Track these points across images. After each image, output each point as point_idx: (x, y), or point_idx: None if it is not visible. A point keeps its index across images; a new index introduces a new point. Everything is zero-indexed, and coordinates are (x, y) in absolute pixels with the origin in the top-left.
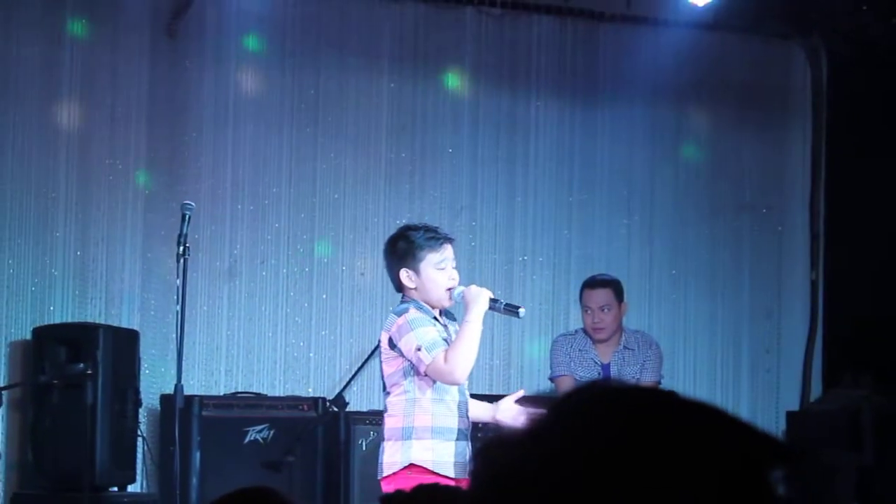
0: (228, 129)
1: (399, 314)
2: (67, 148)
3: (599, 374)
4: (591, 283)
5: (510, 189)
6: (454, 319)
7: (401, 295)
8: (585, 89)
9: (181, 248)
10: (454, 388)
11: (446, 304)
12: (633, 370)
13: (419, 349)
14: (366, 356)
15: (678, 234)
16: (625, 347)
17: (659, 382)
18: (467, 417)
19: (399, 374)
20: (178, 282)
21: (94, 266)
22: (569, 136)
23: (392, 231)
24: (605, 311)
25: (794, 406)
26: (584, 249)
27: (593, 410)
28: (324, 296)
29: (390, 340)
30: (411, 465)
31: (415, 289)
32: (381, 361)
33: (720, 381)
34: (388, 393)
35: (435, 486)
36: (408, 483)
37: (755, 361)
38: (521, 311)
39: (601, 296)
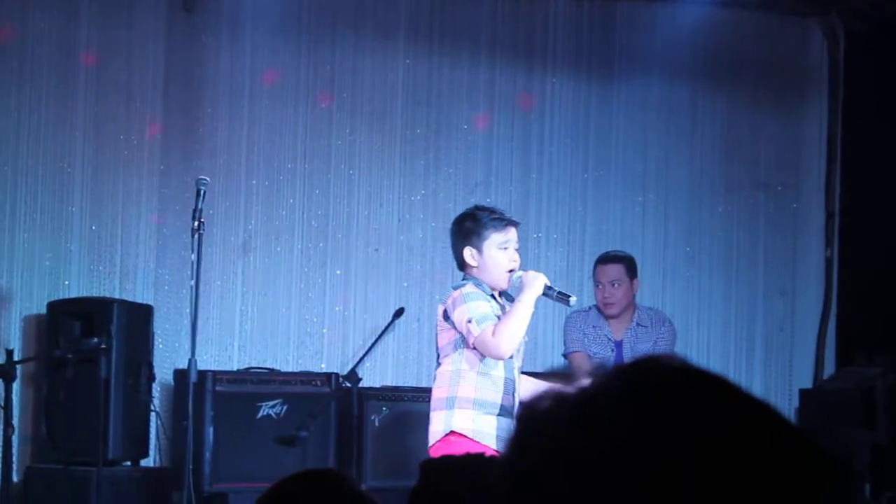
0: (244, 105)
1: (456, 288)
2: (83, 123)
3: (612, 350)
4: (604, 259)
5: (525, 166)
6: (512, 300)
7: (463, 273)
8: (601, 67)
9: (196, 223)
10: (501, 365)
11: (504, 285)
12: (645, 347)
13: (469, 321)
14: (379, 332)
15: (693, 211)
16: (638, 324)
17: None
18: (513, 395)
19: (451, 346)
20: (193, 257)
21: (109, 241)
22: (584, 113)
23: (406, 207)
24: (616, 286)
25: (808, 384)
26: (598, 227)
27: (641, 392)
28: (338, 271)
29: (444, 312)
30: (452, 432)
31: (476, 267)
32: (436, 333)
33: (734, 359)
34: (439, 364)
35: (480, 456)
36: (451, 449)
37: (769, 339)
38: (573, 299)
39: (612, 271)
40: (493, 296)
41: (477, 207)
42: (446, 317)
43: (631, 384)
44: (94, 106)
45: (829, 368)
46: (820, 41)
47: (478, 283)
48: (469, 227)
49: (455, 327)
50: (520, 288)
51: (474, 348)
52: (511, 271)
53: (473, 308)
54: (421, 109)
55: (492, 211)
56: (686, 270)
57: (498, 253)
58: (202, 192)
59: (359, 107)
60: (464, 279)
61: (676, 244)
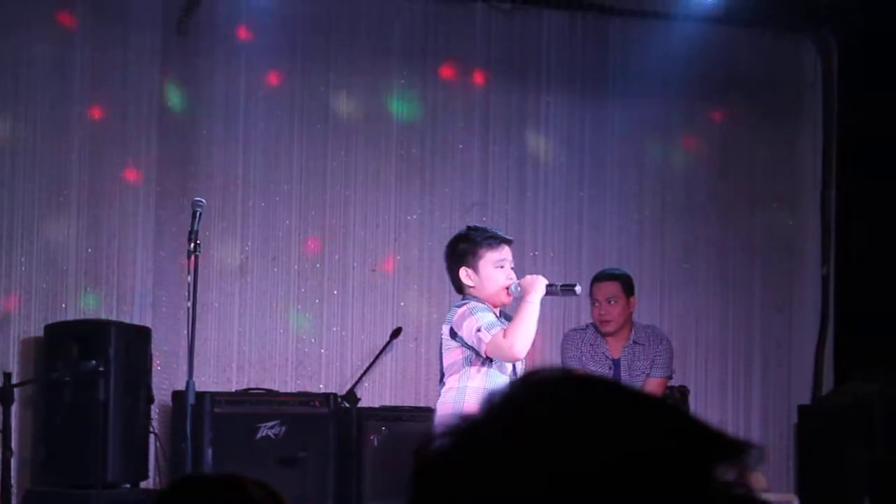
0: (239, 126)
1: (460, 306)
2: (79, 146)
3: (610, 368)
4: (599, 277)
5: (521, 184)
6: (510, 320)
7: (461, 295)
8: (595, 84)
9: (192, 245)
10: (506, 381)
11: (505, 300)
12: (643, 365)
13: (479, 329)
14: (377, 352)
15: (689, 228)
16: (635, 342)
17: (669, 378)
18: None
19: (458, 364)
20: (189, 278)
21: (106, 263)
22: (579, 131)
23: (402, 227)
24: (612, 303)
25: (807, 400)
26: (594, 245)
27: (542, 401)
28: (335, 292)
29: (451, 330)
30: None
31: (474, 287)
32: (440, 353)
33: (732, 376)
34: (443, 384)
35: None
36: None
37: (767, 356)
38: (578, 288)
39: (608, 288)
40: (494, 314)
41: (469, 228)
42: (453, 334)
43: (521, 402)
44: (89, 129)
45: (828, 384)
46: (813, 56)
47: (478, 301)
48: (463, 249)
49: (464, 344)
50: (520, 296)
51: (485, 361)
52: (508, 286)
53: (481, 317)
54: (416, 129)
55: (485, 230)
56: (683, 288)
57: (494, 271)
58: (198, 213)
59: (354, 127)
60: (463, 300)
61: (673, 261)
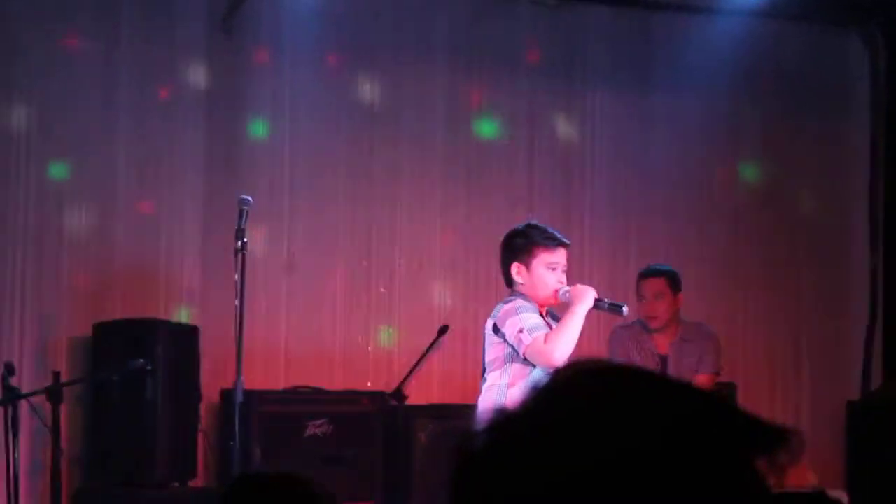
0: (286, 125)
1: (507, 303)
2: (126, 144)
3: (658, 364)
4: (646, 273)
5: (566, 182)
6: (557, 319)
7: (510, 290)
8: (640, 80)
9: (239, 244)
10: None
11: (552, 302)
12: (690, 361)
13: (521, 331)
14: (424, 350)
15: (736, 224)
16: (682, 339)
17: (717, 374)
18: None
19: (500, 360)
20: (237, 277)
21: (155, 262)
22: (625, 126)
23: (448, 224)
24: (659, 299)
25: (856, 396)
26: (641, 242)
27: (582, 392)
28: (382, 290)
29: (495, 326)
30: None
31: (523, 284)
32: (484, 348)
33: (780, 372)
34: (485, 379)
35: None
36: None
37: (815, 351)
38: (625, 309)
39: (655, 285)
40: (540, 314)
41: (529, 225)
42: (496, 330)
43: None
44: (136, 127)
45: (878, 379)
46: (861, 51)
47: (526, 299)
48: (519, 244)
49: (506, 340)
50: (569, 303)
51: (525, 359)
52: (557, 290)
53: (526, 318)
54: (462, 126)
55: (544, 230)
56: (731, 284)
57: (546, 273)
58: (245, 212)
59: (399, 123)
60: (511, 295)
61: (720, 258)
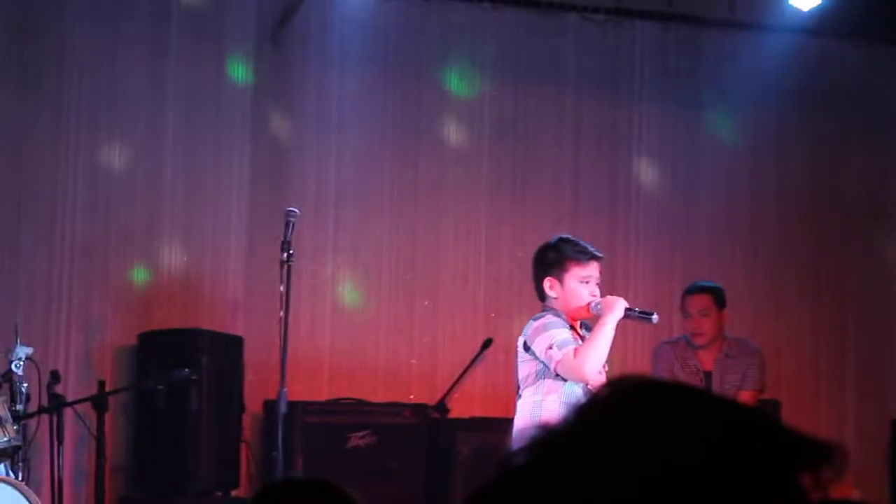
0: (332, 137)
1: (536, 319)
2: (173, 155)
3: (702, 381)
4: (692, 290)
5: (612, 198)
6: (590, 330)
7: (542, 304)
8: (688, 95)
9: (285, 255)
10: (581, 393)
11: (585, 316)
12: (735, 378)
13: (551, 347)
14: (467, 363)
15: (782, 240)
16: (726, 356)
17: (762, 391)
18: None
19: (532, 377)
20: (282, 288)
21: (200, 272)
22: (672, 142)
23: (493, 238)
24: (704, 316)
25: None
26: (686, 258)
27: (618, 406)
28: (426, 303)
29: (525, 343)
30: None
31: (556, 298)
32: (516, 365)
33: (824, 389)
34: (520, 396)
35: None
36: None
37: (860, 369)
38: (655, 316)
39: (700, 301)
40: (571, 327)
41: (561, 239)
42: (526, 348)
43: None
44: (184, 139)
45: None
46: None
47: (557, 314)
48: (551, 259)
49: (536, 357)
50: (600, 315)
51: (557, 375)
52: (589, 303)
53: (555, 334)
54: (507, 141)
55: (576, 244)
56: (776, 301)
57: (578, 286)
58: (291, 223)
59: (445, 138)
60: (543, 310)
61: (766, 273)
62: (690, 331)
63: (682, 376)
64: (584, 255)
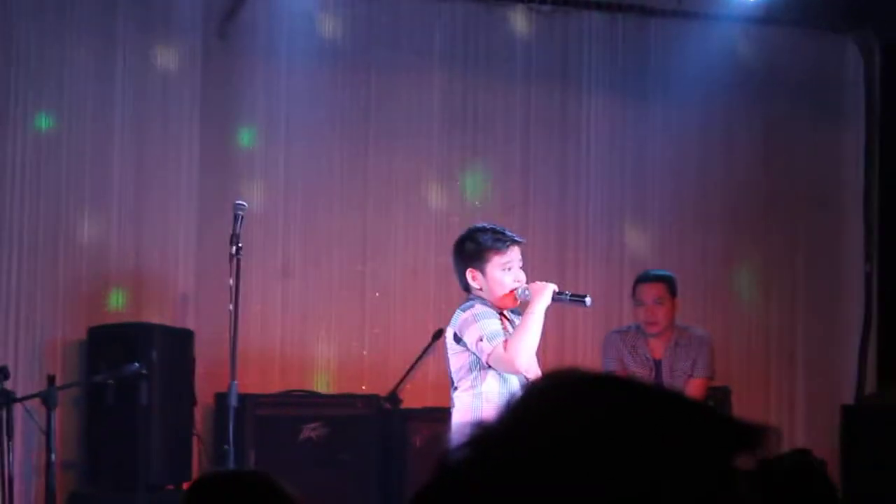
0: (281, 129)
1: (465, 310)
2: (121, 147)
3: (652, 370)
4: (646, 278)
5: (562, 187)
6: (520, 315)
7: (467, 294)
8: (636, 85)
9: (234, 248)
10: (517, 381)
11: (511, 304)
12: (685, 366)
13: (481, 339)
14: (419, 354)
15: (732, 229)
16: (676, 344)
17: (711, 378)
18: None
19: (465, 369)
20: (231, 281)
21: (149, 266)
22: (621, 133)
23: (443, 229)
24: (658, 304)
25: (850, 400)
26: (636, 246)
27: (554, 400)
28: (376, 294)
29: (455, 335)
30: None
31: (480, 289)
32: (447, 358)
33: (775, 377)
34: (456, 388)
35: None
36: None
37: (810, 356)
38: (588, 299)
39: (655, 290)
40: (501, 314)
41: (476, 228)
42: (457, 339)
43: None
44: (131, 132)
45: (872, 384)
46: (856, 56)
47: (484, 303)
48: (470, 250)
49: (468, 349)
50: (528, 301)
51: (489, 366)
52: (514, 290)
53: (485, 326)
54: (457, 131)
55: (493, 231)
56: (725, 288)
57: (501, 274)
58: (240, 216)
59: (395, 128)
60: (469, 300)
61: (715, 262)
62: (644, 319)
63: (632, 366)
64: (503, 242)
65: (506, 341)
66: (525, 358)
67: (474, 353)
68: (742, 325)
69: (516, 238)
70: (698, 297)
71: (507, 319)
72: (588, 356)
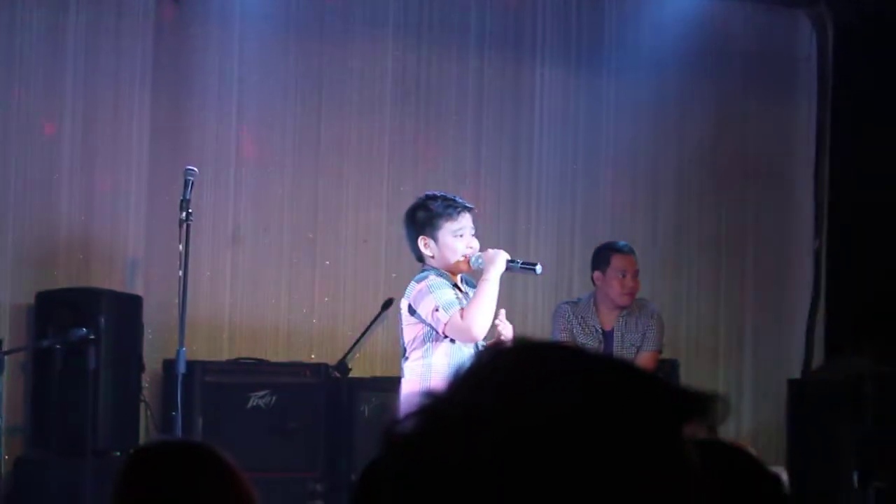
0: (233, 96)
1: (419, 281)
2: (72, 113)
3: (601, 342)
4: (625, 249)
5: (514, 158)
6: (474, 286)
7: (421, 264)
8: (590, 57)
9: (184, 214)
10: (471, 353)
11: (464, 270)
12: (634, 336)
13: (437, 309)
14: (368, 323)
15: (683, 203)
16: (628, 313)
17: (660, 352)
18: None
19: (419, 340)
20: (181, 248)
21: (99, 231)
22: (573, 105)
23: (395, 198)
24: (636, 276)
25: (797, 374)
26: (587, 218)
27: (504, 370)
28: (327, 262)
29: (409, 307)
30: None
31: (433, 257)
32: (400, 328)
33: (724, 350)
34: (407, 359)
35: None
36: None
37: (758, 330)
38: (538, 267)
39: (635, 261)
40: (455, 285)
41: (427, 196)
42: (412, 311)
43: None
44: (82, 96)
45: (819, 359)
46: (809, 32)
47: (439, 273)
48: (422, 218)
49: (422, 321)
50: (482, 269)
51: (446, 337)
52: (467, 255)
53: (439, 296)
54: (410, 101)
55: (444, 198)
56: (675, 262)
57: (453, 241)
58: (190, 182)
59: (347, 98)
60: (423, 270)
61: (666, 236)
62: (624, 291)
63: (581, 337)
64: (454, 209)
65: (462, 310)
66: (482, 325)
67: (429, 325)
68: (691, 298)
69: (467, 205)
70: (647, 270)
71: (461, 291)
72: (538, 326)
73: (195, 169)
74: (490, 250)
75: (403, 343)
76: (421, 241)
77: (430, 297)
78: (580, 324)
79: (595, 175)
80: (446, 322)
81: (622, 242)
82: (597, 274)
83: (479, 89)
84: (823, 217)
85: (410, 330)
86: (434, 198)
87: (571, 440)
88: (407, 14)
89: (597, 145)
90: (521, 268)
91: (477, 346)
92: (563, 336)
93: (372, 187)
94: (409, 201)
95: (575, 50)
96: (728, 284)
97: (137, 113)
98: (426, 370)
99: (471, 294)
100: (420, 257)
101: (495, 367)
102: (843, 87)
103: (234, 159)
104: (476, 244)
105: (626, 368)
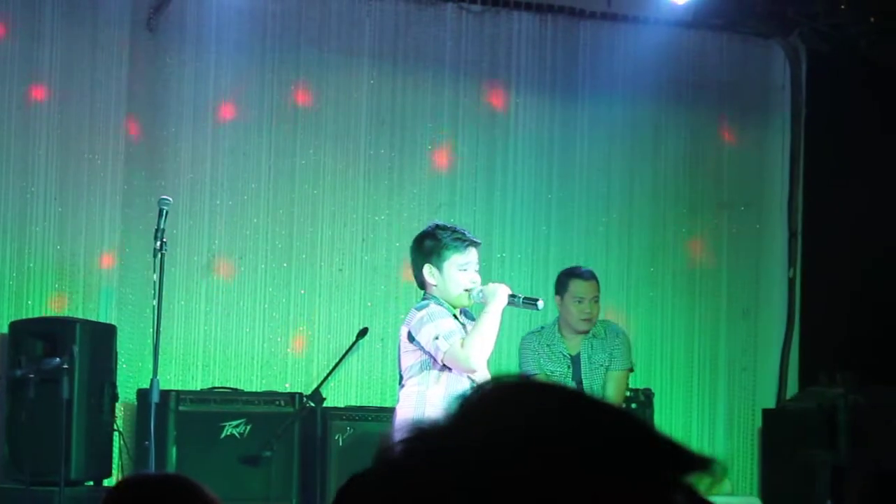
0: (208, 124)
1: (420, 309)
2: (47, 142)
3: (569, 367)
4: (587, 275)
5: (489, 186)
6: (473, 319)
7: (423, 293)
8: (565, 86)
9: (158, 243)
10: (467, 384)
11: (465, 303)
12: (602, 358)
13: (437, 338)
14: (343, 352)
15: (656, 231)
16: (593, 336)
17: (630, 370)
18: None
19: (416, 367)
20: (155, 277)
21: (73, 260)
22: (548, 133)
23: (370, 227)
24: (596, 301)
25: (771, 404)
26: (562, 246)
27: (493, 413)
28: (302, 291)
29: (409, 334)
30: None
31: (435, 286)
32: (399, 355)
33: (697, 379)
34: (403, 385)
35: None
36: None
37: (732, 359)
38: (540, 303)
39: (594, 287)
40: (454, 315)
41: (438, 226)
42: (411, 338)
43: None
44: (57, 126)
45: (793, 388)
46: (782, 62)
47: (439, 302)
48: (429, 246)
49: (422, 348)
50: (482, 303)
51: (444, 366)
52: (469, 290)
53: (440, 325)
54: (385, 129)
55: (453, 230)
56: (649, 290)
57: (458, 273)
58: (164, 211)
59: (322, 126)
60: (424, 298)
61: (640, 264)
62: (583, 316)
63: (549, 364)
64: (462, 243)
65: (463, 340)
66: (479, 356)
67: (427, 353)
68: (665, 326)
69: (475, 240)
70: (622, 299)
71: (460, 322)
72: (514, 358)
73: (169, 198)
74: (491, 284)
75: (400, 370)
76: (426, 269)
77: (430, 325)
78: (546, 352)
79: (569, 203)
80: (446, 350)
81: (584, 268)
82: (557, 298)
83: (453, 118)
84: (797, 246)
85: (408, 357)
86: (444, 228)
87: (563, 489)
88: (382, 43)
89: (571, 173)
90: (522, 303)
91: (472, 379)
92: (530, 367)
93: (347, 216)
94: (383, 230)
95: (549, 78)
96: (702, 313)
97: (112, 143)
98: (420, 399)
99: (468, 326)
100: (422, 284)
101: (495, 404)
102: (817, 117)
103: (209, 188)
104: (478, 279)
105: (625, 420)
